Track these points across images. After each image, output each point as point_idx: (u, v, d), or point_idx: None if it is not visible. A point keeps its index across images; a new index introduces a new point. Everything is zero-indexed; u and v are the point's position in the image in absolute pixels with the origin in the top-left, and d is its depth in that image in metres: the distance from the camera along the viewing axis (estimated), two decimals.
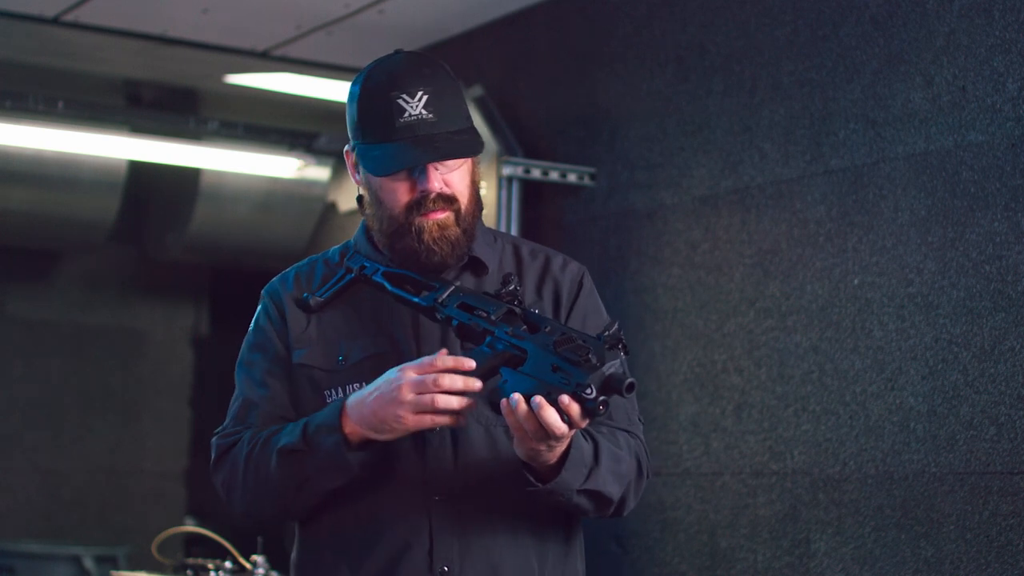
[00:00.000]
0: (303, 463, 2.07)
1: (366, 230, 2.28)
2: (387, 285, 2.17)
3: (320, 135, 5.59)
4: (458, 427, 2.06)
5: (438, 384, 1.96)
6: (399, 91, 2.11)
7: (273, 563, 3.97)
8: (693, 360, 4.04)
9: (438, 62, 2.19)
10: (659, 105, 4.24)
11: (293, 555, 2.26)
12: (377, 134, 2.13)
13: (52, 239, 6.11)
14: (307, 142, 5.60)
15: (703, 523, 3.94)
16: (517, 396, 1.91)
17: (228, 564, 3.99)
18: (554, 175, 4.51)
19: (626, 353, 1.93)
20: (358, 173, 2.22)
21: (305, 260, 2.33)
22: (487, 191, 4.62)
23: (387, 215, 2.17)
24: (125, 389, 6.75)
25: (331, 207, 5.65)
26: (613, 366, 1.90)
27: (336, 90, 5.88)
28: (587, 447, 2.07)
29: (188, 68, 5.72)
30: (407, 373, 1.99)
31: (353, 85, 2.20)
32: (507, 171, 4.54)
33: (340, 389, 2.16)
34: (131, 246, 6.46)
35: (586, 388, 1.88)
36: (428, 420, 1.98)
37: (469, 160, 2.18)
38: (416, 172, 2.13)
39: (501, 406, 1.94)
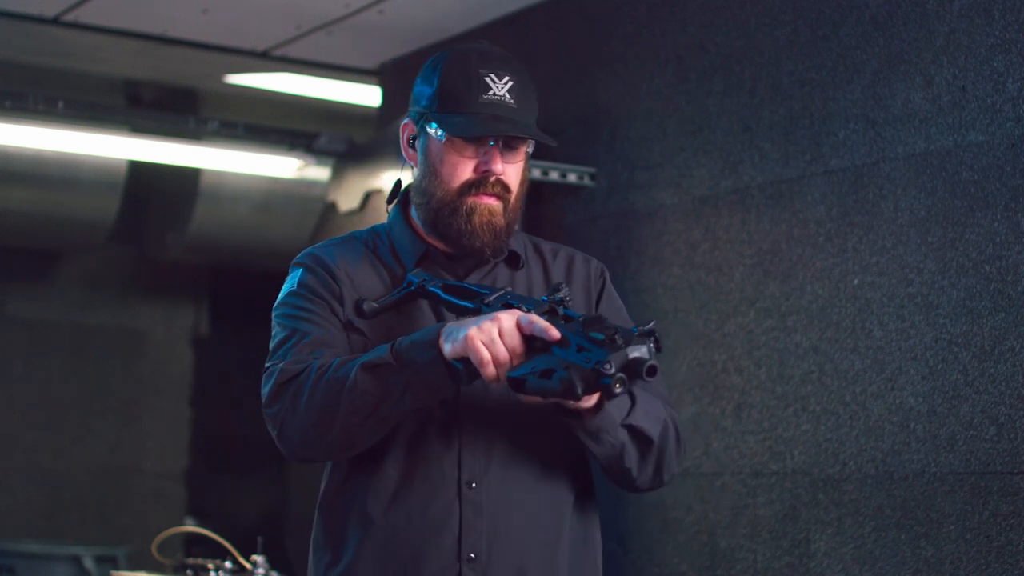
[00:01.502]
0: (388, 379, 2.03)
1: (403, 213, 2.27)
2: (440, 293, 2.16)
3: (320, 135, 5.60)
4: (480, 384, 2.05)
5: (513, 341, 1.96)
6: (488, 70, 2.17)
7: (273, 563, 3.97)
8: (693, 360, 4.04)
9: (522, 62, 2.25)
10: (659, 105, 4.24)
11: (316, 537, 2.24)
12: (459, 103, 2.16)
13: (52, 239, 6.12)
14: (307, 142, 5.60)
15: (703, 523, 3.94)
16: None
17: (228, 564, 3.99)
18: (554, 175, 4.51)
19: (659, 350, 1.92)
20: (412, 147, 2.24)
21: (335, 239, 2.31)
22: None
23: (441, 189, 2.18)
24: (125, 389, 6.75)
25: (331, 207, 5.65)
26: (638, 351, 1.88)
27: (336, 90, 5.88)
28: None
29: (188, 68, 5.72)
30: (519, 313, 1.99)
31: (433, 60, 2.23)
32: None
33: None
34: (131, 246, 6.46)
35: (605, 364, 1.86)
36: (483, 350, 1.95)
37: (524, 161, 2.22)
38: (483, 153, 2.16)
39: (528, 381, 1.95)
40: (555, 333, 1.94)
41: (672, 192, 4.17)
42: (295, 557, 5.53)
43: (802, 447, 3.68)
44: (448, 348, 1.99)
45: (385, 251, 2.27)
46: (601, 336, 1.90)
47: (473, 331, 1.95)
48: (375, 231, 2.31)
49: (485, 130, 2.14)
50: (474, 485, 2.12)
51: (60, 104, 5.19)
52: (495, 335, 1.95)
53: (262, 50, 5.41)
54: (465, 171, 2.17)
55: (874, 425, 3.50)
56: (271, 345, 2.21)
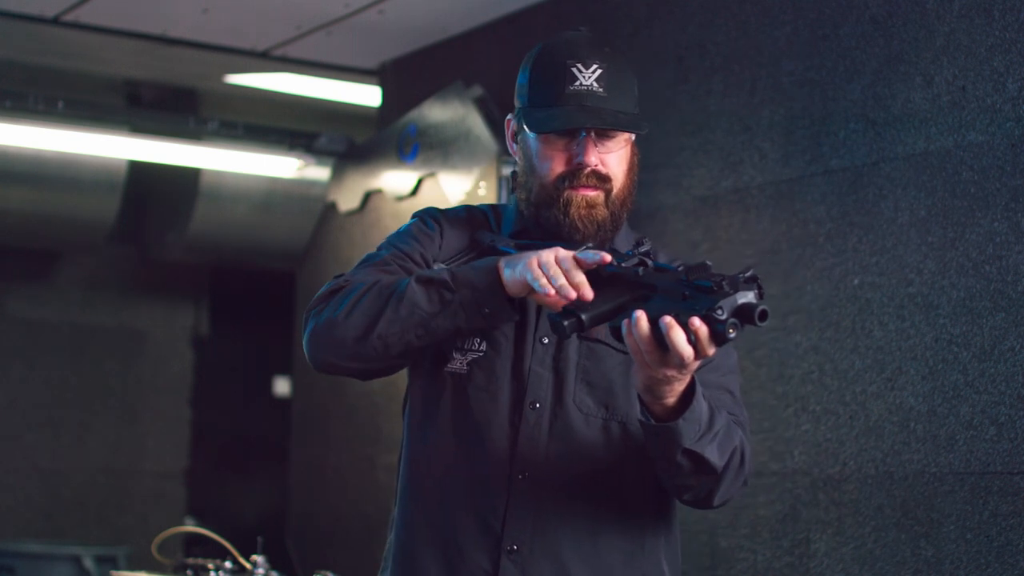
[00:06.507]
0: (442, 295, 2.01)
1: (517, 207, 2.26)
2: (513, 253, 2.13)
3: (320, 135, 5.60)
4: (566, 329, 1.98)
5: (570, 273, 1.94)
6: (575, 60, 2.14)
7: (273, 563, 3.97)
8: None
9: (619, 48, 2.20)
10: (659, 105, 4.24)
11: (395, 513, 2.24)
12: (545, 97, 2.13)
13: (52, 239, 6.12)
14: (307, 142, 5.60)
15: (703, 523, 3.93)
16: (639, 313, 1.87)
17: (228, 564, 3.98)
18: None
19: (761, 297, 1.86)
20: (515, 143, 2.22)
21: (454, 208, 2.31)
22: (486, 191, 4.61)
23: (538, 183, 2.15)
24: (125, 389, 6.75)
25: (331, 207, 5.65)
26: (747, 296, 1.84)
27: (336, 90, 5.89)
28: (705, 409, 2.01)
29: (188, 68, 5.73)
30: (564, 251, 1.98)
31: (529, 52, 2.21)
32: (507, 171, 4.54)
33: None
34: (131, 246, 6.47)
35: (716, 310, 1.81)
36: (544, 280, 1.94)
37: (629, 147, 2.19)
38: (575, 144, 2.12)
39: (622, 327, 1.89)
40: (607, 257, 1.94)
41: (672, 192, 4.16)
42: (295, 557, 5.53)
43: (802, 447, 3.68)
44: (507, 274, 1.98)
45: (492, 224, 2.27)
46: (708, 283, 1.85)
47: (532, 259, 1.96)
48: (495, 206, 2.31)
49: (565, 123, 2.10)
50: (526, 476, 2.09)
51: (60, 104, 5.19)
52: (551, 259, 1.94)
53: (262, 50, 5.41)
54: (559, 164, 2.13)
55: (874, 425, 3.50)
56: None
